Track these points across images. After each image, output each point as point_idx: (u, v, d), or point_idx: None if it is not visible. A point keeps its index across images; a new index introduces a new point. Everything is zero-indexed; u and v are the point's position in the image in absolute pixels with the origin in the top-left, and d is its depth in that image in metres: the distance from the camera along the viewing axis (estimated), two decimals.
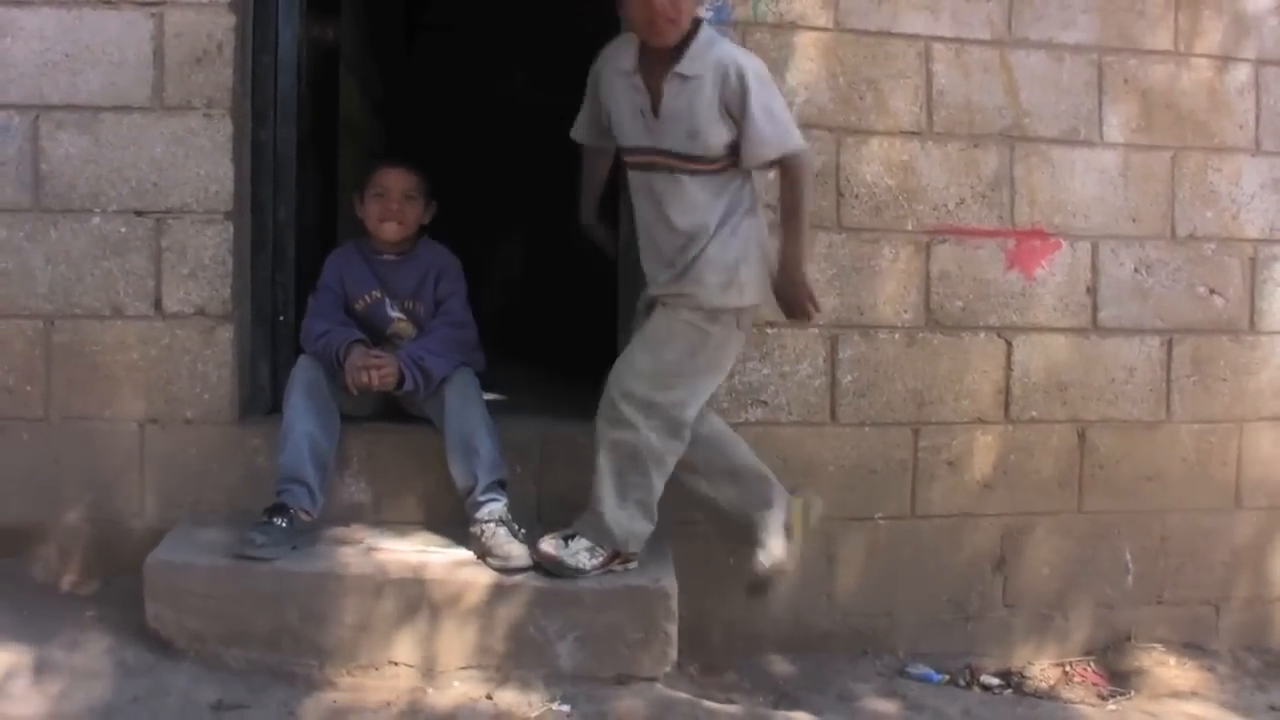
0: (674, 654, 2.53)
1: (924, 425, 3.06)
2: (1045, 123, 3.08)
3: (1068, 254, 3.12)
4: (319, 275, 2.93)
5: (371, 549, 2.64)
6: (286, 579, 2.50)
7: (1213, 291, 3.21)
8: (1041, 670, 3.09)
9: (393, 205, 2.88)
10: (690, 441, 2.60)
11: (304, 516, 2.62)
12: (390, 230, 2.89)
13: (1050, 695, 2.98)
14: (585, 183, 2.84)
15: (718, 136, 2.49)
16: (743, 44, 2.85)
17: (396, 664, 2.48)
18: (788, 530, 2.70)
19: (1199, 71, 3.17)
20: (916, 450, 3.05)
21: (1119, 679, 3.07)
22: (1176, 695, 2.96)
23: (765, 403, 2.98)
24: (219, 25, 2.80)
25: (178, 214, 2.82)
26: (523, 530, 2.64)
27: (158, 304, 2.83)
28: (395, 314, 2.93)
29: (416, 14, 6.10)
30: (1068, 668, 3.12)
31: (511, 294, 5.48)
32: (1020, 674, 3.07)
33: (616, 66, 2.59)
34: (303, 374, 2.75)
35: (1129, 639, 3.19)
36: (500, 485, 2.69)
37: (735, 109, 2.47)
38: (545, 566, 2.54)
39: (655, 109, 2.52)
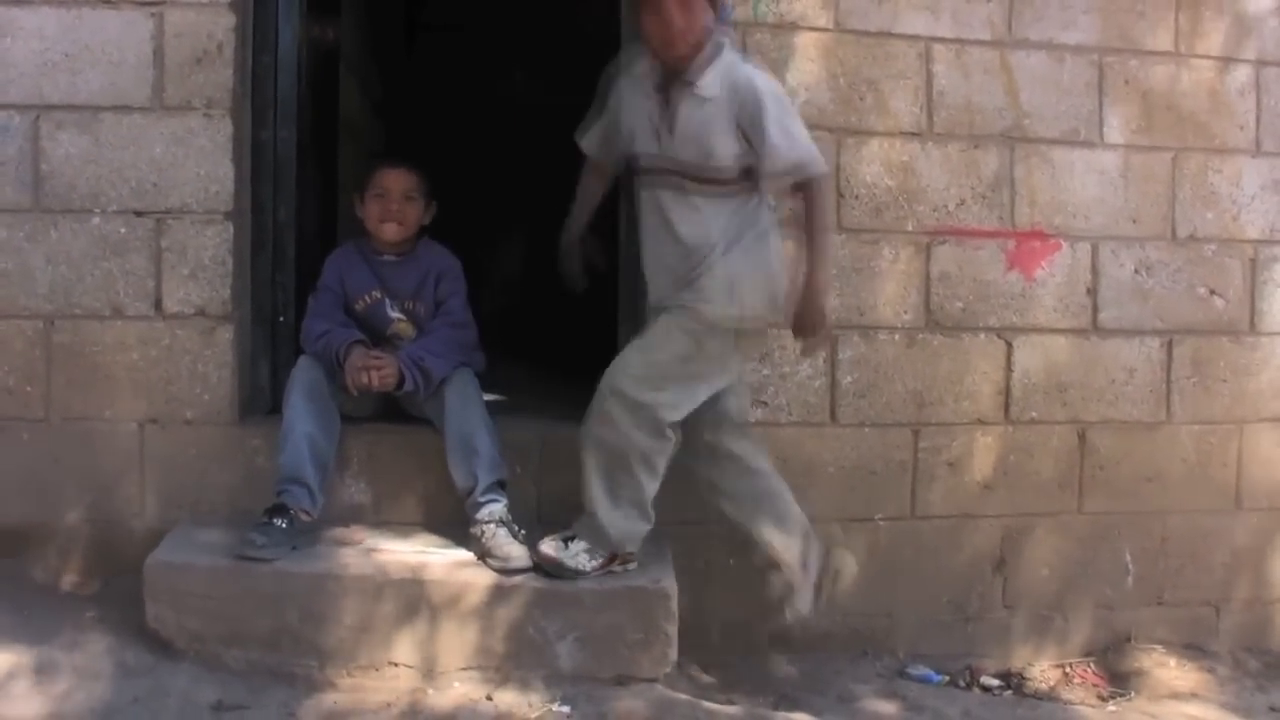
0: (674, 655, 2.53)
1: (924, 426, 3.06)
2: (1046, 123, 3.08)
3: (1068, 255, 3.12)
4: (319, 275, 2.93)
5: (371, 550, 2.64)
6: (286, 580, 2.50)
7: (1213, 292, 3.21)
8: (1041, 671, 3.09)
9: (393, 206, 2.88)
10: (741, 479, 2.64)
11: (304, 517, 2.62)
12: (390, 231, 2.89)
13: (1050, 696, 2.98)
14: (579, 196, 2.82)
15: (731, 158, 2.49)
16: (742, 44, 2.85)
17: (396, 665, 2.48)
18: (817, 591, 2.71)
19: (1200, 72, 3.17)
20: (916, 451, 3.05)
21: (1119, 680, 3.07)
22: (1176, 696, 2.97)
23: (765, 403, 2.98)
24: (219, 25, 2.80)
25: (178, 214, 2.82)
26: (523, 531, 2.64)
27: (158, 304, 2.83)
28: (395, 314, 2.93)
29: (416, 14, 6.10)
30: (1068, 669, 3.12)
31: (511, 294, 5.48)
32: (1020, 675, 3.07)
33: (632, 74, 2.61)
34: (303, 374, 2.75)
35: (1129, 640, 3.19)
36: (500, 486, 2.69)
37: (751, 131, 2.47)
38: (545, 568, 2.54)
39: (670, 123, 2.52)
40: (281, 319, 3.04)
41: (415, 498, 2.86)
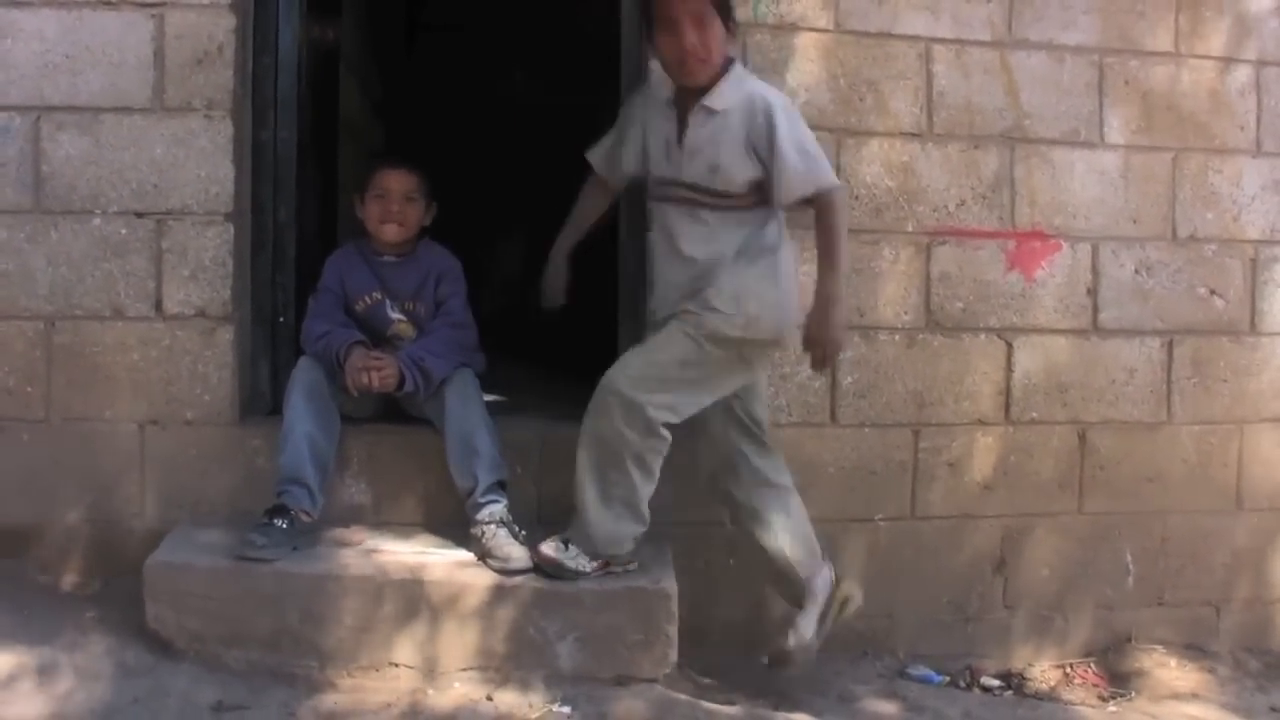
0: (674, 655, 2.54)
1: (924, 426, 3.05)
2: (1046, 124, 3.08)
3: (1068, 255, 3.12)
4: (319, 276, 2.93)
5: (372, 550, 2.64)
6: (287, 580, 2.50)
7: (1213, 293, 3.21)
8: (1042, 672, 3.09)
9: (393, 207, 2.88)
10: (762, 493, 2.65)
11: (304, 518, 2.62)
12: (391, 232, 2.89)
13: (1050, 697, 2.98)
14: (576, 210, 2.82)
15: (740, 173, 2.49)
16: (742, 45, 2.85)
17: (397, 665, 2.48)
18: (822, 619, 2.70)
19: (1200, 73, 3.17)
20: (917, 451, 3.05)
21: (1119, 680, 3.07)
22: (1177, 697, 2.96)
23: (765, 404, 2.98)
24: (219, 26, 2.80)
25: (178, 215, 2.82)
26: (523, 531, 2.64)
27: (158, 305, 2.83)
28: (395, 315, 2.93)
29: (416, 14, 6.10)
30: (1068, 669, 3.12)
31: (511, 294, 5.48)
32: (1020, 675, 3.07)
33: (655, 96, 2.62)
34: (303, 375, 2.75)
35: (1129, 640, 3.19)
36: (500, 486, 2.69)
37: (762, 147, 2.46)
38: (545, 569, 2.54)
39: (681, 139, 2.52)
40: (282, 320, 3.04)
41: (415, 498, 2.86)
